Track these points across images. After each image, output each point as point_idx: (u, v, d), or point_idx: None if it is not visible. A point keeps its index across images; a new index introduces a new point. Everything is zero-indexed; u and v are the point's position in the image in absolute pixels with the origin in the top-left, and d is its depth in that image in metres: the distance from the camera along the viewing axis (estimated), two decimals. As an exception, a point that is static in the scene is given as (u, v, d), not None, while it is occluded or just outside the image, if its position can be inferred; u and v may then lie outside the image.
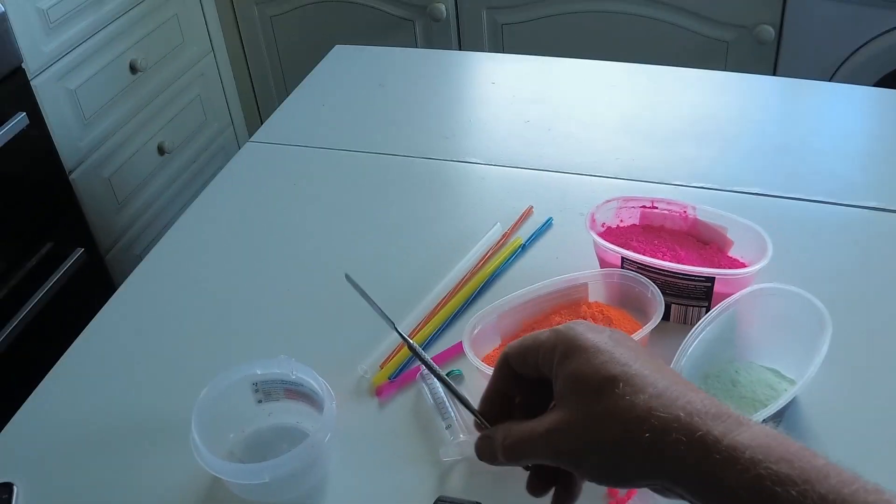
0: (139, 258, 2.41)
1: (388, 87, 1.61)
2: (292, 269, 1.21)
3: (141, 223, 2.52)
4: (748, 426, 0.56)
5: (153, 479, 0.94)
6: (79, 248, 2.21)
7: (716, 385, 0.91)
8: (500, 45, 2.55)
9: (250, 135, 2.25)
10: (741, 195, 1.24)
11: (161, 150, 2.57)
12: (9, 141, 1.96)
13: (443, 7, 2.50)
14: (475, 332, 0.95)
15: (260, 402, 0.96)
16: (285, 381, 0.94)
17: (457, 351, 1.02)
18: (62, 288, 2.13)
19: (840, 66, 2.17)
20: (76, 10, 2.21)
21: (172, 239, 1.30)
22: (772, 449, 0.54)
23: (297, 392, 0.94)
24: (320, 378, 0.91)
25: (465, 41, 2.58)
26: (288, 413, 0.96)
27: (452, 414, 0.93)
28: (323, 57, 1.74)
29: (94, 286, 2.27)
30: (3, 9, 1.96)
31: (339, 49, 1.75)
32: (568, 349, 0.63)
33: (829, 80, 2.17)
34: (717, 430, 0.56)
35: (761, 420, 0.80)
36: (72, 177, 2.24)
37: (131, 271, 1.23)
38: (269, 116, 1.55)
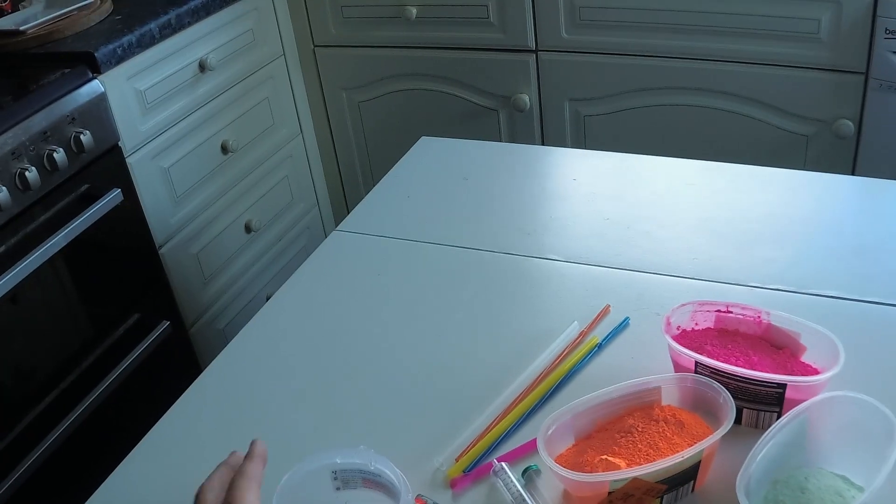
0: (222, 333, 2.47)
1: (471, 180, 1.64)
2: (373, 359, 1.24)
3: (225, 299, 2.58)
4: None
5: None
6: (164, 321, 2.27)
7: (784, 491, 0.92)
8: (583, 135, 2.59)
9: (335, 216, 2.28)
10: (816, 298, 1.25)
11: (248, 229, 2.64)
12: (104, 215, 2.04)
13: (527, 98, 2.55)
14: (549, 432, 0.97)
15: (338, 489, 0.98)
16: (364, 471, 0.96)
17: (531, 447, 1.04)
18: (147, 358, 2.19)
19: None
20: (172, 92, 2.30)
21: (258, 324, 1.34)
22: None
23: (374, 482, 0.96)
24: (398, 470, 0.93)
25: (548, 131, 2.63)
26: (364, 501, 0.98)
27: (533, 507, 0.96)
28: (408, 142, 1.78)
29: (178, 359, 2.33)
30: (103, 89, 2.05)
31: (424, 140, 1.79)
32: None
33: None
34: None
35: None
36: (161, 251, 2.31)
37: (214, 345, 1.27)
38: (353, 198, 1.58)
